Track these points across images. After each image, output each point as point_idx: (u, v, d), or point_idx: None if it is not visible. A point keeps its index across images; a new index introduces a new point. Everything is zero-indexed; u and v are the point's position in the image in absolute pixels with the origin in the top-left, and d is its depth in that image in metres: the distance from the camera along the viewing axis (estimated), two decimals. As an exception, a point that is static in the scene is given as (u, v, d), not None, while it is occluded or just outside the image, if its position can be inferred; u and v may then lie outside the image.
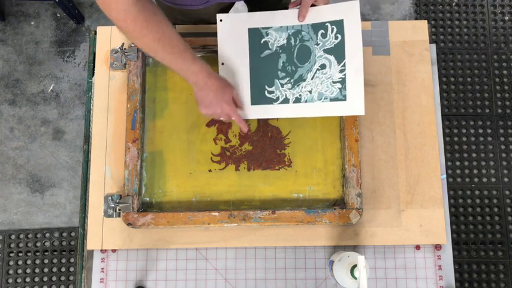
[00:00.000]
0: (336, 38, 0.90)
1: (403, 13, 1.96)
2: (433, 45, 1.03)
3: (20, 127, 1.86)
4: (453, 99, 1.87)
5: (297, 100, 0.92)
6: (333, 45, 0.90)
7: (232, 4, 1.11)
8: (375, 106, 0.98)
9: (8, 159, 1.83)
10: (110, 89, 0.99)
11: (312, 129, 0.96)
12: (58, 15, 1.95)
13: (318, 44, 0.91)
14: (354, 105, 0.89)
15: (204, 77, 0.83)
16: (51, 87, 1.89)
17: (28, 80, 1.89)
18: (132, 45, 0.96)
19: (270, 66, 0.93)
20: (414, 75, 1.00)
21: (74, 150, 1.83)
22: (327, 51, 0.91)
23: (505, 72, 1.89)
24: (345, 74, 0.90)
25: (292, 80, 0.92)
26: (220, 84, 0.85)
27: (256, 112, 0.93)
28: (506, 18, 1.94)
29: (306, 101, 0.91)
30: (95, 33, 1.03)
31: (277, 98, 0.93)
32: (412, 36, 1.01)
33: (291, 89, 0.92)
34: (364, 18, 1.95)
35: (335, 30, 0.90)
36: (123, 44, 0.95)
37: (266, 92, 0.93)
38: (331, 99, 0.90)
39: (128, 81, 0.95)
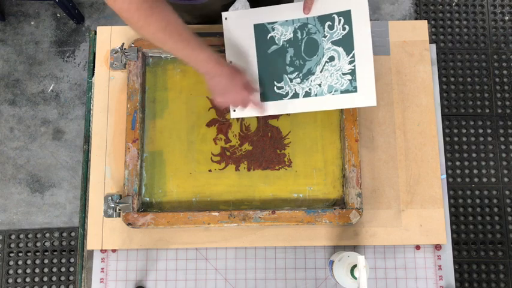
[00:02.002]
0: (344, 29, 0.89)
1: (403, 13, 1.96)
2: (433, 45, 1.03)
3: (20, 127, 1.86)
4: (453, 99, 1.87)
5: (307, 94, 0.91)
6: (340, 37, 0.89)
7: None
8: (375, 106, 0.98)
9: (8, 159, 1.83)
10: (110, 89, 0.99)
11: (312, 129, 0.96)
12: (58, 15, 1.95)
13: (325, 36, 0.90)
14: (366, 96, 0.88)
15: (214, 64, 0.81)
16: (51, 87, 1.89)
17: (28, 80, 1.89)
18: (132, 45, 0.96)
19: (277, 61, 0.92)
20: (414, 75, 1.00)
21: (74, 150, 1.84)
22: (334, 43, 0.89)
23: (505, 72, 1.89)
24: (354, 65, 0.88)
25: (300, 74, 0.91)
26: (232, 70, 0.84)
27: (267, 109, 0.92)
28: (506, 18, 1.95)
29: (316, 95, 0.90)
30: (95, 33, 1.03)
31: (287, 93, 0.92)
32: (412, 36, 1.02)
33: (300, 83, 0.91)
34: (364, 18, 1.94)
35: (342, 21, 0.88)
36: (123, 44, 0.95)
37: (275, 87, 0.92)
38: (342, 92, 0.89)
39: (128, 81, 0.95)
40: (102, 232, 0.93)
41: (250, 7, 1.29)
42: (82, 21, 1.93)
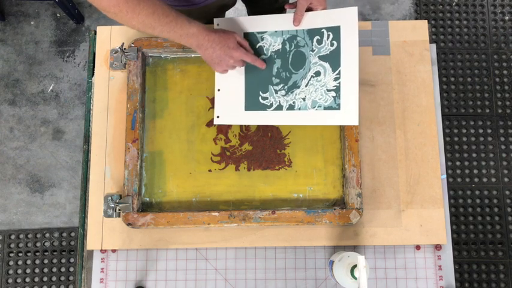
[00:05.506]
0: (332, 44, 0.88)
1: (403, 13, 1.96)
2: (433, 45, 1.03)
3: (20, 127, 1.86)
4: (453, 99, 1.87)
5: (291, 107, 0.91)
6: (328, 52, 0.89)
7: (233, 2, 1.11)
8: (375, 106, 0.98)
9: (8, 159, 1.83)
10: (109, 89, 0.99)
11: (312, 129, 0.96)
12: (58, 15, 1.95)
13: (313, 51, 0.90)
14: (348, 114, 0.88)
15: (205, 35, 0.83)
16: (51, 87, 1.89)
17: (28, 80, 1.89)
18: (132, 45, 0.96)
19: (264, 72, 0.92)
20: (414, 75, 1.00)
21: (74, 150, 1.83)
22: (322, 58, 0.89)
23: (505, 72, 1.89)
24: (339, 82, 0.88)
25: (286, 87, 0.91)
26: (222, 35, 0.85)
27: (250, 118, 0.93)
28: (506, 18, 1.94)
29: (299, 109, 0.90)
30: (95, 33, 1.03)
31: (271, 105, 0.92)
32: (412, 36, 1.01)
33: (284, 95, 0.91)
34: (364, 18, 1.95)
35: (331, 36, 0.88)
36: (123, 43, 0.94)
37: (260, 98, 0.92)
38: (325, 108, 0.89)
39: (127, 81, 0.95)
40: (102, 232, 0.93)
41: (246, 9, 1.29)
42: (82, 21, 1.93)
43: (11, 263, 1.75)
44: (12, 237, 1.77)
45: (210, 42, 0.83)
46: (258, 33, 0.92)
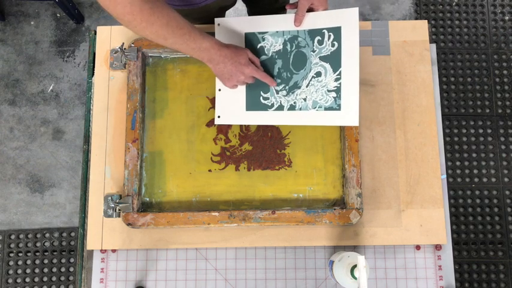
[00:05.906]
0: (333, 45, 0.89)
1: (403, 13, 1.96)
2: (433, 45, 1.03)
3: (20, 127, 1.86)
4: (453, 99, 1.87)
5: (292, 107, 0.91)
6: (329, 53, 0.89)
7: (233, 2, 1.12)
8: (375, 106, 0.98)
9: (8, 159, 1.83)
10: (109, 89, 0.99)
11: (312, 129, 0.96)
12: (58, 15, 1.95)
13: (314, 51, 0.90)
14: (348, 115, 0.88)
15: (217, 50, 0.83)
16: (51, 87, 1.89)
17: (28, 80, 1.89)
18: (132, 45, 0.96)
19: (265, 72, 0.92)
20: (414, 75, 1.00)
21: (74, 150, 1.83)
22: (322, 58, 0.90)
23: (505, 72, 1.89)
24: (340, 83, 0.88)
25: (287, 87, 0.91)
26: (233, 51, 0.85)
27: (251, 118, 0.93)
28: (506, 18, 1.94)
29: (300, 109, 0.91)
30: (95, 33, 1.03)
31: (272, 105, 0.92)
32: (412, 36, 1.01)
33: (285, 96, 0.91)
34: (364, 18, 1.95)
35: (332, 37, 0.89)
36: (123, 44, 0.94)
37: (261, 98, 0.93)
38: (326, 108, 0.89)
39: (127, 81, 0.95)
40: (102, 232, 0.93)
41: (247, 10, 1.29)
42: (82, 21, 1.93)
43: (11, 263, 1.75)
44: (12, 237, 1.77)
45: (221, 57, 0.83)
46: (259, 33, 0.92)
